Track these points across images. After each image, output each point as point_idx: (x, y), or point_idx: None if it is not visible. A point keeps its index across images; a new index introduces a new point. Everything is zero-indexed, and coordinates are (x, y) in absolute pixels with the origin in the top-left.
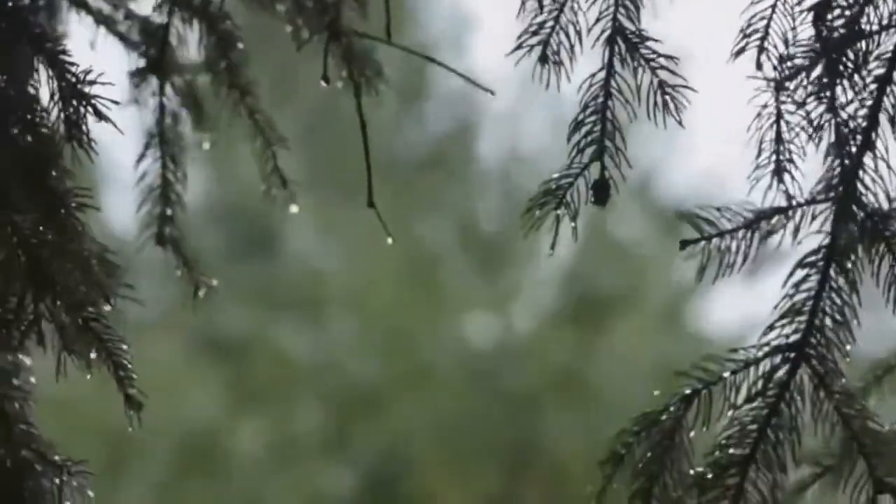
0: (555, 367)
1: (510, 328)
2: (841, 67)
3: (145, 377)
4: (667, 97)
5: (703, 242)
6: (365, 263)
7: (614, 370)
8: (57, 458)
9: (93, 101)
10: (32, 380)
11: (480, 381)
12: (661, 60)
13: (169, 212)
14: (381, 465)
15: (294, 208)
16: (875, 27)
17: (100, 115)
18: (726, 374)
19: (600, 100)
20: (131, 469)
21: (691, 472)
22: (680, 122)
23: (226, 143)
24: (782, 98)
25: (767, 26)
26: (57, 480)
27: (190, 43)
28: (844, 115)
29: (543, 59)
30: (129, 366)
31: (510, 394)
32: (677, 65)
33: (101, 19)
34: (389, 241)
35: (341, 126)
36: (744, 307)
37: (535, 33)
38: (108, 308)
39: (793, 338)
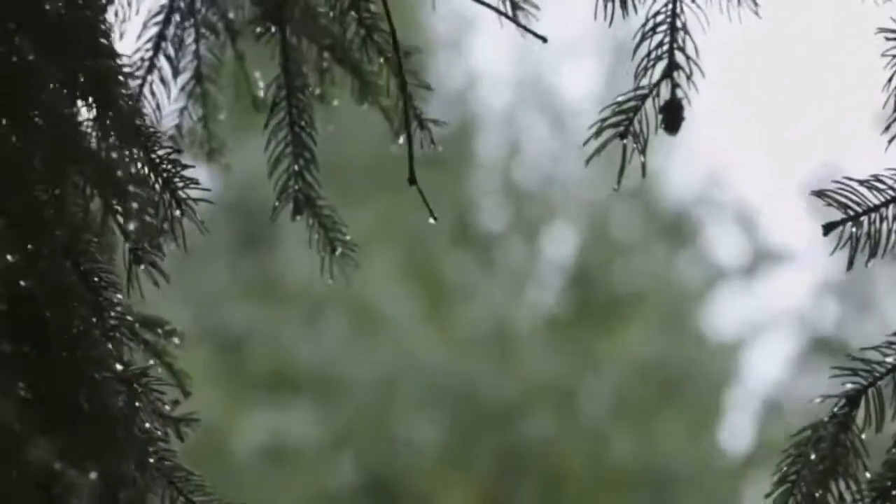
0: (554, 368)
1: (510, 328)
2: None
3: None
4: None
5: (849, 223)
6: (364, 261)
7: (615, 371)
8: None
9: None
10: (129, 317)
11: (480, 381)
12: None
13: (301, 170)
14: (381, 465)
15: (439, 148)
16: None
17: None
18: (893, 364)
19: (670, 5)
20: None
21: (868, 478)
22: (756, 13)
23: (229, 138)
24: None
25: None
26: (127, 392)
27: None
28: None
29: None
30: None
31: (510, 394)
32: None
33: None
34: (431, 220)
35: (339, 125)
36: (745, 307)
37: None
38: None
39: None
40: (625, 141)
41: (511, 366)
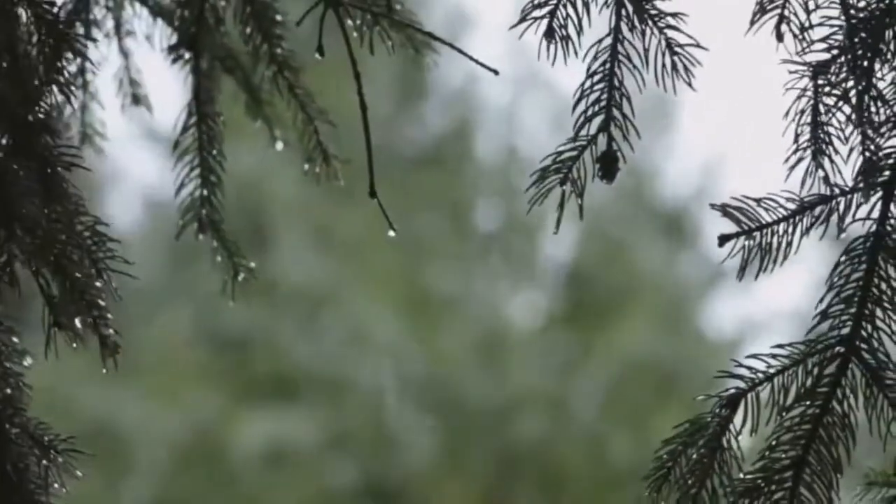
0: (552, 367)
1: (507, 327)
2: (881, 46)
3: (145, 375)
4: (675, 58)
5: (742, 237)
6: (361, 262)
7: (612, 370)
8: (45, 437)
9: (70, 40)
10: (26, 362)
11: (478, 381)
12: (669, 19)
13: (209, 195)
14: (380, 467)
15: (341, 182)
16: None
17: (76, 53)
18: (772, 373)
19: (608, 66)
20: (131, 466)
21: (741, 477)
22: (690, 84)
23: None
24: (820, 80)
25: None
26: (44, 461)
27: (226, 17)
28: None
29: (550, 33)
30: (103, 304)
31: (508, 394)
32: (685, 23)
33: None
34: (391, 233)
35: (337, 123)
36: (742, 307)
37: (540, 5)
38: (98, 281)
39: (842, 331)
40: (563, 188)
41: (509, 365)
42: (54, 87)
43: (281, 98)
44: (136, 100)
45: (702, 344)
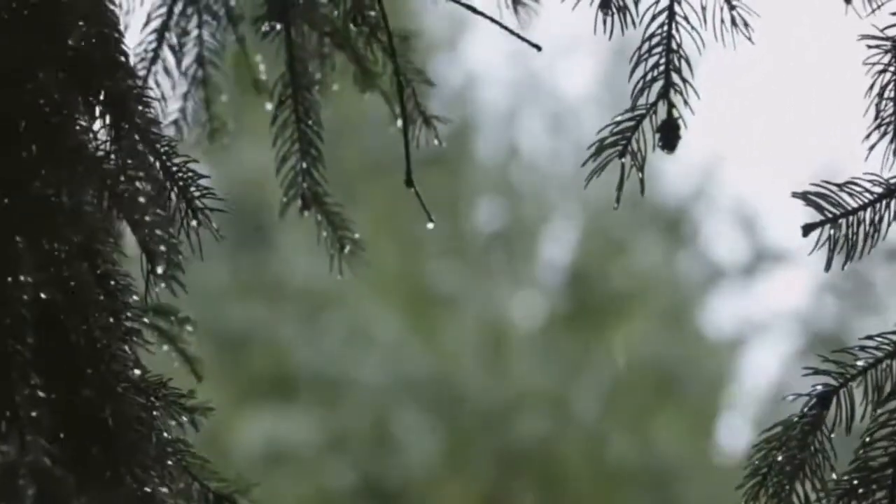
0: (553, 367)
1: (508, 328)
2: None
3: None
4: (734, 12)
5: (827, 225)
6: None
7: (613, 370)
8: (148, 385)
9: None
10: (146, 320)
11: (478, 382)
12: None
13: (309, 168)
14: (380, 467)
15: (442, 144)
16: None
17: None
18: (863, 367)
19: (665, 27)
20: None
21: (835, 479)
22: (749, 39)
23: (227, 135)
24: None
25: None
26: (145, 405)
27: None
28: None
29: (605, 4)
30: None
31: (508, 394)
32: None
33: None
34: (430, 225)
35: (338, 125)
36: (742, 307)
37: None
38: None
39: None
40: (623, 160)
41: (509, 366)
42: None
43: (375, 62)
44: (257, 86)
45: (702, 344)
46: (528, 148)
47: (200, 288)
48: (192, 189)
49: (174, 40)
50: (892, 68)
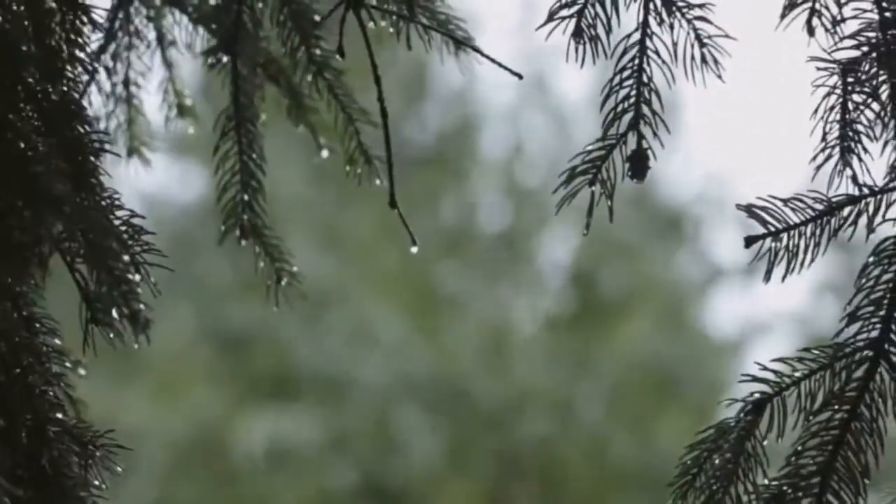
0: (554, 368)
1: (509, 328)
2: None
3: (145, 373)
4: (704, 50)
5: (769, 238)
6: (365, 261)
7: (614, 370)
8: (85, 436)
9: (88, 12)
10: (67, 364)
11: (480, 382)
12: (697, 10)
13: (250, 200)
14: (382, 467)
15: (383, 184)
16: None
17: (94, 24)
18: (799, 377)
19: (636, 61)
20: (132, 465)
21: (766, 483)
22: (720, 77)
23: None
24: (849, 78)
25: None
26: (81, 453)
27: (264, 20)
28: None
29: (578, 33)
30: (132, 280)
31: (510, 394)
32: (713, 13)
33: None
34: (414, 249)
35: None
36: (743, 308)
37: (568, 4)
38: (133, 273)
39: (871, 334)
40: (593, 188)
41: (511, 366)
42: (77, 65)
43: (321, 99)
44: (182, 111)
45: (703, 345)
46: (531, 148)
47: (202, 287)
48: (135, 245)
49: (109, 62)
50: (838, 91)
